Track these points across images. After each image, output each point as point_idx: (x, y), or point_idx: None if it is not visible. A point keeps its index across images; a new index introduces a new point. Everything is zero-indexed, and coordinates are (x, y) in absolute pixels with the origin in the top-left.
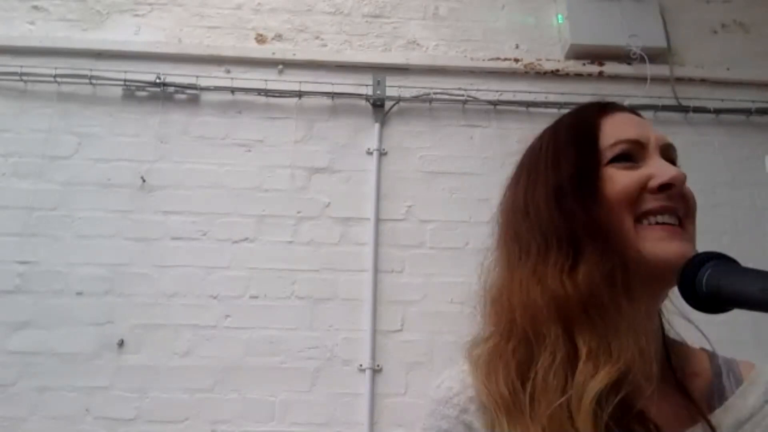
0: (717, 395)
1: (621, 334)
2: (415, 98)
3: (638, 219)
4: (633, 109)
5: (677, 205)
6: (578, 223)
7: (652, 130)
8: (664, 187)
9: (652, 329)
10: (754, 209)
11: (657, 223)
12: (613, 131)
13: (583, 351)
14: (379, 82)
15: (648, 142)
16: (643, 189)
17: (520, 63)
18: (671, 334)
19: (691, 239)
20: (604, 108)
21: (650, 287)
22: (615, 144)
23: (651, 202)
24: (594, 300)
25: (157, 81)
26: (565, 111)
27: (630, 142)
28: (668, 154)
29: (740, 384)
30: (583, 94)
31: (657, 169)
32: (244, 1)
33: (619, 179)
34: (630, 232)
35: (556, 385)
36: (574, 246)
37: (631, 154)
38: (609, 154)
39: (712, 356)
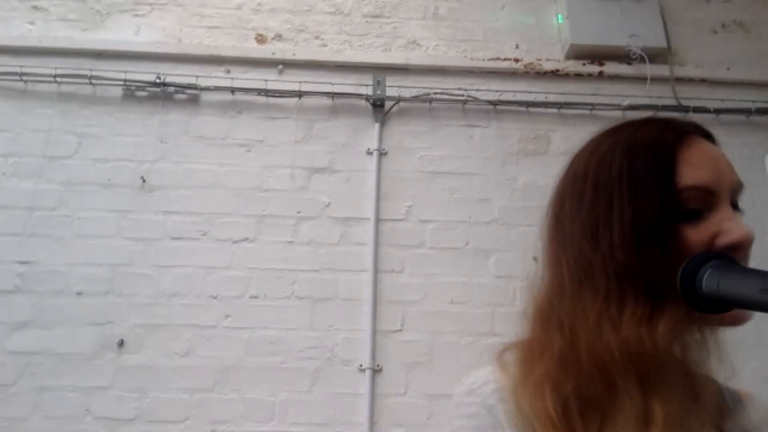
0: (723, 409)
1: (701, 404)
2: (415, 98)
3: None
4: (707, 132)
5: (740, 262)
6: (659, 273)
7: (726, 167)
8: (730, 247)
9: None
10: (754, 209)
11: None
12: (690, 171)
13: (659, 417)
14: (379, 82)
15: (720, 189)
16: (709, 247)
17: (520, 63)
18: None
19: None
20: (684, 134)
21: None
22: (689, 189)
23: None
24: (674, 361)
25: (157, 81)
26: (565, 111)
27: (702, 189)
28: (737, 196)
29: (741, 404)
30: (584, 94)
31: (725, 225)
32: (244, 1)
33: (688, 235)
34: None
35: None
36: (654, 297)
37: (701, 204)
38: (681, 201)
39: (713, 380)
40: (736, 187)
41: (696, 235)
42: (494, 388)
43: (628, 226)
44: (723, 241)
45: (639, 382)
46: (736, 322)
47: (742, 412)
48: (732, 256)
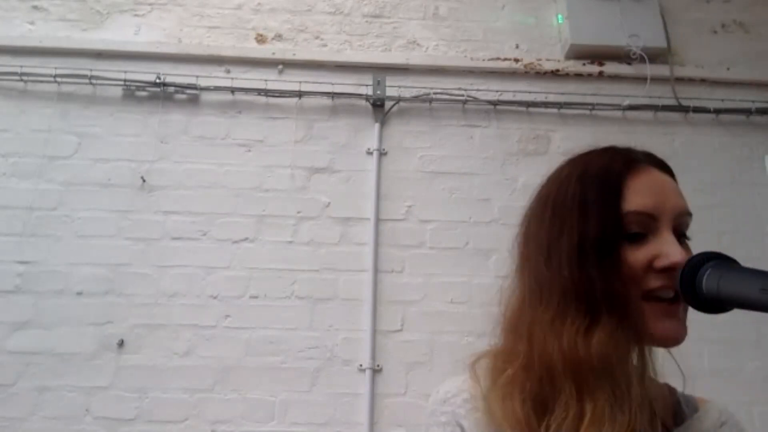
0: (677, 417)
1: (627, 405)
2: (415, 98)
3: (644, 295)
4: (659, 162)
5: (677, 283)
6: (597, 291)
7: (671, 195)
8: (667, 269)
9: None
10: (754, 209)
11: (657, 299)
12: (635, 197)
13: (588, 415)
14: (379, 82)
15: (661, 215)
16: (648, 268)
17: (520, 63)
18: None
19: (685, 313)
20: (632, 163)
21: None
22: (632, 213)
23: (654, 281)
24: (605, 368)
25: (157, 81)
26: (565, 111)
27: (644, 215)
28: (681, 222)
29: (696, 412)
30: (583, 94)
31: (663, 249)
32: (244, 1)
33: (629, 256)
34: (638, 306)
35: None
36: (591, 311)
37: (644, 228)
38: (625, 225)
39: (672, 390)
40: (681, 215)
41: (636, 256)
42: (465, 398)
43: (574, 246)
44: (660, 263)
45: (575, 384)
46: (667, 342)
47: (697, 420)
48: (670, 277)
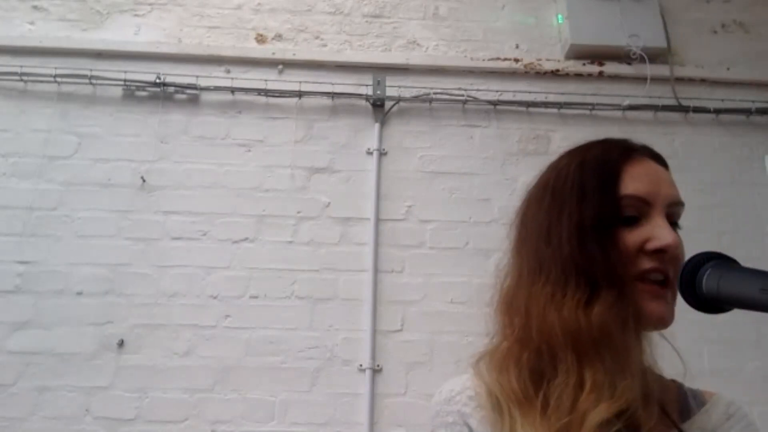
0: (684, 412)
1: (627, 374)
2: (415, 98)
3: (637, 276)
4: (655, 154)
5: (668, 266)
6: (597, 267)
7: (664, 184)
8: (659, 251)
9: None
10: (754, 209)
11: (649, 281)
12: (631, 183)
13: (588, 383)
14: (379, 82)
15: (655, 201)
16: (641, 249)
17: (520, 63)
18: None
19: (674, 298)
20: (629, 152)
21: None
22: (627, 197)
23: (646, 263)
24: (605, 338)
25: (157, 81)
26: (565, 111)
27: (639, 199)
28: (673, 211)
29: (704, 405)
30: (583, 94)
31: (656, 232)
32: (244, 1)
33: (624, 237)
34: (632, 285)
35: (565, 405)
36: (591, 285)
37: (638, 212)
38: (621, 207)
39: (679, 385)
40: (674, 203)
41: (631, 237)
42: (470, 395)
43: (574, 226)
44: (652, 245)
45: (576, 354)
46: (655, 322)
47: (704, 413)
48: (661, 260)
